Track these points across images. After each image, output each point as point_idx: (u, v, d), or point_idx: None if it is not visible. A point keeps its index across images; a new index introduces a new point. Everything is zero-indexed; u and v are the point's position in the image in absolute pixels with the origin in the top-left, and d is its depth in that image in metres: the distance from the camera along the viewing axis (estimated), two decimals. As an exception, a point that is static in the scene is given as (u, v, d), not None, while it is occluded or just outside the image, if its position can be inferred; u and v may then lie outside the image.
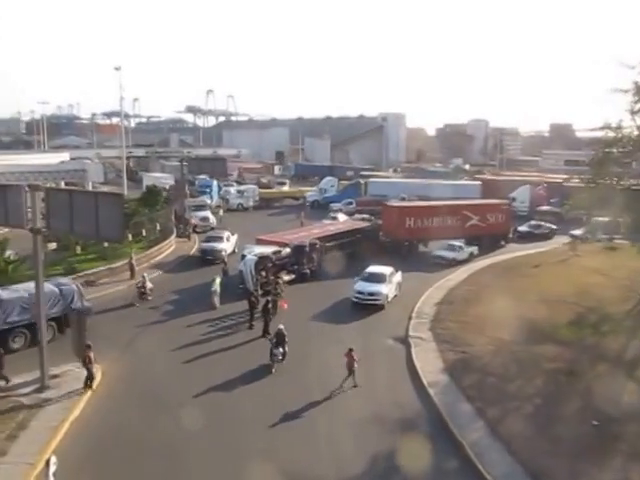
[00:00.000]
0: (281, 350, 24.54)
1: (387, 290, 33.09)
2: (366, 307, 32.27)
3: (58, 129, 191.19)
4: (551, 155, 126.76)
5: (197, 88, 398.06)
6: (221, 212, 61.65)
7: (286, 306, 31.35)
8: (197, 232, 53.75)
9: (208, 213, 57.70)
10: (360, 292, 32.83)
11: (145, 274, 35.34)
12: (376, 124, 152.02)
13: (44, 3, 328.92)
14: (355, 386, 22.88)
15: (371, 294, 32.62)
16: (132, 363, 24.92)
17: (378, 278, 33.56)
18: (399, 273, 35.04)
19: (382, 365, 25.10)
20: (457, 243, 45.33)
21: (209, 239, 45.01)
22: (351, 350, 23.24)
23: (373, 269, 34.46)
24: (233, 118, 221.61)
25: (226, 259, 41.10)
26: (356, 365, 23.01)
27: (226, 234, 45.23)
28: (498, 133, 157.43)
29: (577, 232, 52.45)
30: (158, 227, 47.43)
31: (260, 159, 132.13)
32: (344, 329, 29.60)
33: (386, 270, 34.27)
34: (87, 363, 21.98)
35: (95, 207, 20.22)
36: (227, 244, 44.28)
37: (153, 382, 22.57)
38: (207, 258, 42.65)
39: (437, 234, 47.70)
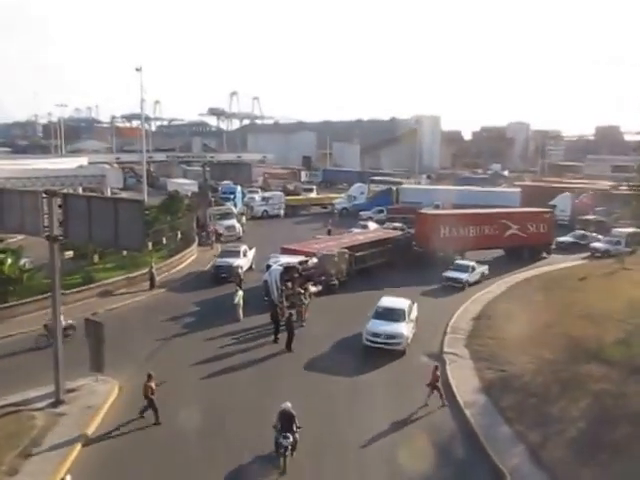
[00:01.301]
0: (290, 439, 18.68)
1: (407, 330, 28.72)
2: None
3: (76, 133, 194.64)
4: (596, 160, 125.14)
5: (221, 90, 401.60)
6: (244, 219, 62.17)
7: (307, 315, 31.96)
8: (222, 242, 54.32)
9: (234, 222, 58.22)
10: (376, 334, 28.10)
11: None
12: (409, 127, 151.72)
13: (63, 3, 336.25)
14: (443, 405, 22.86)
15: (390, 336, 28.05)
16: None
17: (395, 315, 29.11)
18: (415, 305, 30.91)
19: (414, 383, 24.85)
20: (469, 262, 42.34)
21: (224, 254, 43.46)
22: (437, 368, 23.59)
23: (388, 302, 30.14)
24: (258, 121, 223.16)
25: (242, 276, 39.64)
26: (439, 384, 23.15)
27: (243, 248, 43.68)
28: (540, 136, 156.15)
29: (598, 245, 52.23)
30: (179, 235, 47.88)
31: (286, 164, 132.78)
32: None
33: (403, 304, 29.98)
34: (149, 395, 21.30)
35: (114, 214, 20.43)
36: (244, 260, 42.59)
37: (171, 399, 22.64)
38: (221, 275, 40.75)
39: (474, 244, 47.38)
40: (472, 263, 42.01)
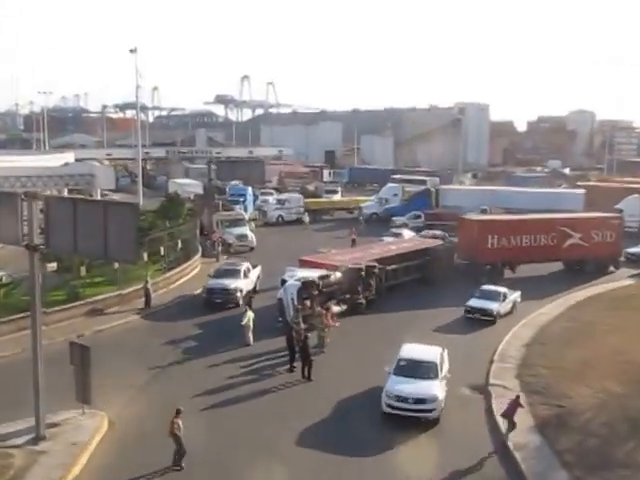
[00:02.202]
0: None
1: (441, 391, 25.02)
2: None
3: (62, 124, 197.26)
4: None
5: (229, 75, 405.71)
6: (252, 225, 62.34)
7: (337, 324, 33.00)
8: (231, 253, 55.00)
9: (246, 229, 58.79)
10: (400, 398, 24.44)
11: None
12: (451, 117, 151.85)
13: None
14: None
15: (419, 400, 24.42)
16: (143, 412, 25.32)
17: (424, 370, 25.48)
18: (446, 352, 27.25)
19: (455, 420, 24.86)
20: (499, 288, 39.25)
21: (219, 273, 41.59)
22: (518, 397, 23.71)
23: (414, 353, 26.37)
24: (273, 110, 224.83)
25: (241, 301, 39.01)
26: (515, 417, 23.21)
27: (244, 267, 42.18)
28: (607, 128, 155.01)
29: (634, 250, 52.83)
30: (180, 245, 48.37)
31: (306, 161, 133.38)
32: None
33: (433, 354, 26.34)
34: (175, 432, 21.38)
35: (104, 220, 20.70)
36: (244, 281, 40.96)
37: (166, 436, 22.81)
38: (215, 301, 39.40)
39: (527, 256, 47.31)
40: (503, 289, 39.11)
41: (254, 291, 41.60)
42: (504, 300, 38.35)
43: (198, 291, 42.26)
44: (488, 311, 37.20)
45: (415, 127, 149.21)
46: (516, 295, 39.71)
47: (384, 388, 24.94)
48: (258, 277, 43.51)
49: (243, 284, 40.68)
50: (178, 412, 21.69)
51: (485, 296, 38.17)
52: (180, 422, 21.47)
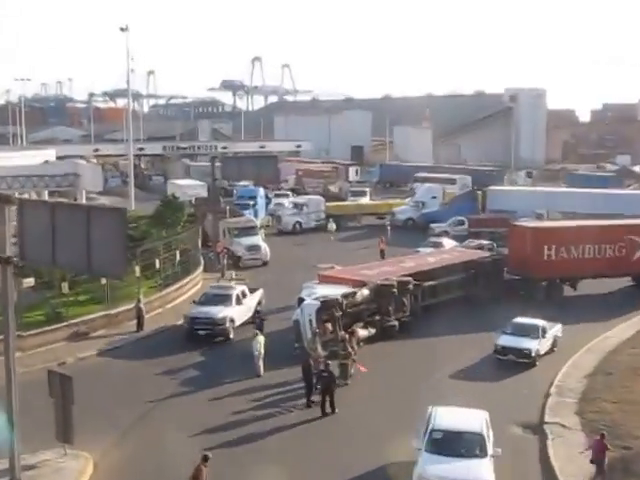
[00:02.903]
0: None
1: (491, 475, 22.06)
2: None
3: (42, 116, 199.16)
4: None
5: (237, 56, 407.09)
6: (262, 234, 61.96)
7: (364, 369, 32.37)
8: (240, 267, 55.37)
9: (258, 239, 59.00)
10: None
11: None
12: (501, 105, 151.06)
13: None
14: None
15: None
16: (135, 453, 25.51)
17: (467, 445, 22.81)
18: (488, 418, 24.39)
19: (503, 465, 24.76)
20: (536, 321, 36.47)
21: (206, 299, 40.07)
22: (603, 436, 23.54)
23: (452, 421, 23.54)
24: (289, 98, 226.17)
25: (232, 334, 38.15)
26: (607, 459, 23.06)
27: (237, 291, 40.53)
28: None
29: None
30: (178, 257, 48.62)
31: (328, 157, 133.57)
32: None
33: (477, 422, 23.62)
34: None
35: (87, 228, 20.83)
36: (237, 309, 39.48)
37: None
38: (198, 332, 38.07)
39: (590, 270, 47.00)
40: (541, 322, 36.43)
41: (252, 322, 39.57)
42: (543, 336, 35.83)
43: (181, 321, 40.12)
44: (524, 351, 34.70)
45: (458, 117, 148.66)
46: (557, 329, 37.30)
47: (415, 470, 21.97)
48: (259, 303, 42.09)
49: (235, 313, 39.04)
50: (205, 459, 21.59)
51: (519, 331, 35.57)
52: (204, 471, 21.29)
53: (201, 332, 37.95)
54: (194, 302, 40.69)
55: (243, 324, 39.59)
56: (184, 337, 38.46)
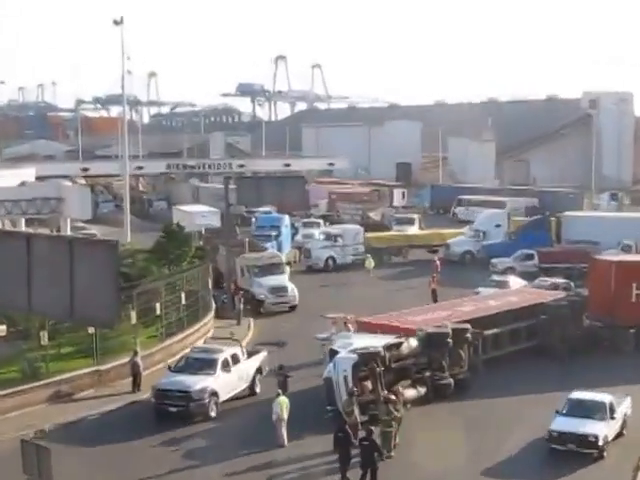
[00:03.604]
0: None
1: None
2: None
3: (19, 127, 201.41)
4: None
5: (257, 54, 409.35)
6: (287, 271, 61.52)
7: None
8: (261, 313, 55.66)
9: (284, 279, 59.05)
10: None
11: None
12: (579, 113, 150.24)
13: None
14: None
15: None
16: None
17: None
18: None
19: None
20: (602, 397, 33.58)
21: (184, 365, 38.20)
22: None
23: None
24: (320, 105, 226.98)
25: (213, 411, 36.19)
26: None
27: (227, 354, 38.31)
28: None
29: None
30: (183, 299, 48.60)
31: (368, 177, 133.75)
32: None
33: None
34: None
35: (70, 264, 20.89)
36: (224, 379, 37.39)
37: None
38: (167, 409, 36.14)
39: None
40: (607, 398, 33.39)
41: (251, 394, 39.00)
42: (612, 416, 32.65)
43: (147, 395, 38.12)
44: (589, 439, 31.49)
45: (526, 127, 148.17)
46: (626, 405, 34.37)
47: None
48: (259, 372, 39.97)
49: (220, 384, 36.90)
50: None
51: (580, 411, 32.66)
52: None
53: (172, 409, 35.83)
54: (169, 368, 38.75)
55: (234, 398, 37.91)
56: (153, 415, 36.44)
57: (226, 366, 37.56)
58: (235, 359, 38.46)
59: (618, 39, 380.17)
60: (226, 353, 38.32)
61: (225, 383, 37.28)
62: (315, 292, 61.43)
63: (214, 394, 36.26)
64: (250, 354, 40.33)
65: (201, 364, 37.60)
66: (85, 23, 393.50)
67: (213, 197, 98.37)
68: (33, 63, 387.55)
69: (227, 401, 37.58)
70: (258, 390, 39.19)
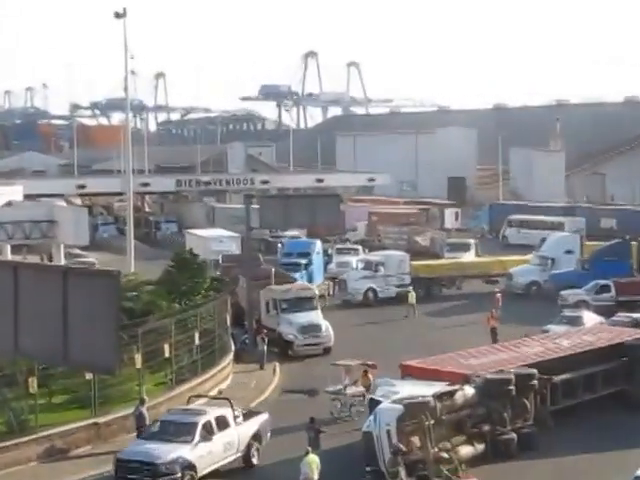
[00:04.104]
0: None
1: None
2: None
3: (4, 137, 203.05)
4: None
5: (283, 51, 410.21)
6: (319, 306, 61.21)
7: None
8: (291, 355, 55.92)
9: (317, 316, 58.88)
10: None
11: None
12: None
13: None
14: None
15: None
16: None
17: None
18: None
19: None
20: None
21: (158, 430, 36.29)
22: None
23: None
24: (358, 109, 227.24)
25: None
26: None
27: (210, 417, 36.27)
28: None
29: None
30: (197, 339, 48.70)
31: (414, 194, 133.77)
32: None
33: None
34: None
35: (64, 299, 21.01)
36: (203, 448, 35.16)
37: None
38: None
39: None
40: None
41: (249, 465, 37.23)
42: None
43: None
44: None
45: (602, 134, 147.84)
46: None
47: None
48: (257, 439, 37.95)
49: (198, 454, 34.77)
50: None
51: None
52: None
53: None
54: (138, 434, 37.41)
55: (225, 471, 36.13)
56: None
57: (209, 432, 35.39)
58: (222, 423, 36.30)
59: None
60: (210, 415, 36.16)
61: (206, 453, 35.02)
62: (353, 331, 61.51)
63: (189, 467, 33.92)
64: (247, 415, 38.44)
65: (177, 429, 35.62)
66: (82, 16, 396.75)
67: (232, 219, 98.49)
68: (21, 63, 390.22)
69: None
70: (255, 461, 37.18)
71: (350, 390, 42.81)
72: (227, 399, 39.05)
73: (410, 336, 56.99)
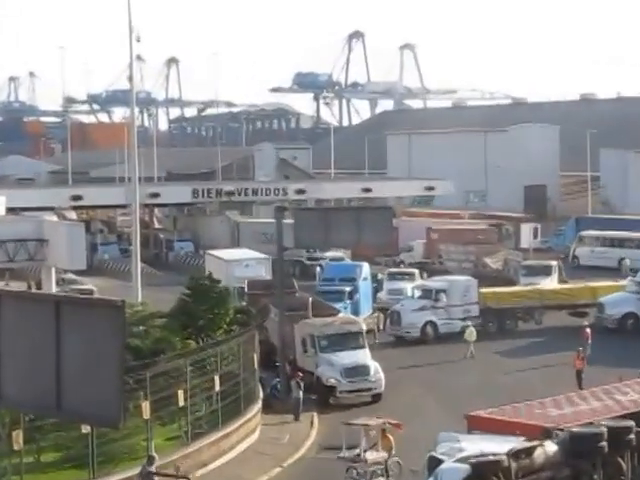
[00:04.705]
0: None
1: None
2: None
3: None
4: None
5: (323, 32, 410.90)
6: (366, 344, 61.27)
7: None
8: (331, 404, 55.95)
9: (365, 356, 58.75)
10: None
11: None
12: None
13: None
14: None
15: None
16: None
17: None
18: None
19: None
20: None
21: None
22: None
23: None
24: (412, 103, 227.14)
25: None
26: None
27: None
28: None
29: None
30: (218, 384, 48.85)
31: (483, 206, 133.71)
32: None
33: None
34: None
35: (55, 335, 21.15)
36: None
37: None
38: None
39: None
40: None
41: None
42: None
43: None
44: None
45: None
46: None
47: None
48: None
49: None
50: None
51: None
52: None
53: None
54: None
55: None
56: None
57: None
58: None
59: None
60: None
61: None
62: (407, 374, 61.54)
63: None
64: None
65: None
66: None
67: (260, 237, 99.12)
68: (2, 46, 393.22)
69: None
70: None
71: (370, 455, 42.61)
72: (187, 478, 38.58)
73: (478, 381, 56.95)
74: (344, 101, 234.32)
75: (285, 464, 44.85)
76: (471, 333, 68.39)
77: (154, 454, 40.41)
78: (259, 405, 52.00)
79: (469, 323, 70.44)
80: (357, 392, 56.69)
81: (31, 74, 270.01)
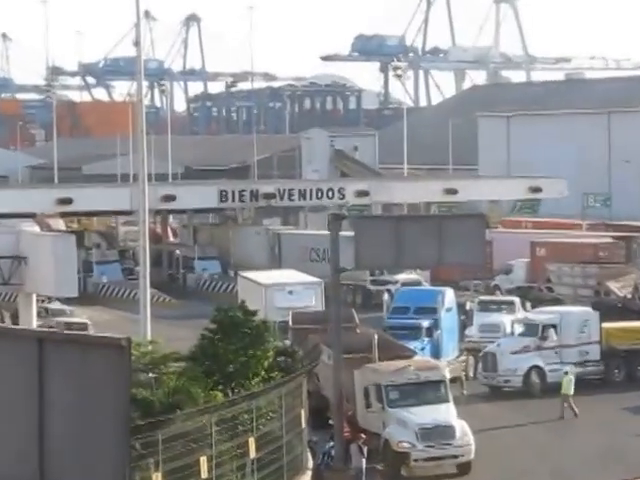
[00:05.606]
0: None
1: None
2: None
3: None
4: None
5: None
6: (450, 397, 61.32)
7: None
8: (404, 475, 56.00)
9: (448, 413, 58.27)
10: None
11: None
12: None
13: None
14: None
15: None
16: None
17: None
18: None
19: None
20: None
21: None
22: None
23: None
24: (512, 74, 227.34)
25: None
26: None
27: None
28: None
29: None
30: (253, 449, 49.05)
31: (607, 215, 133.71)
32: None
33: None
34: None
35: (38, 385, 21.27)
36: None
37: None
38: None
39: None
40: None
41: None
42: None
43: None
44: None
45: None
46: None
47: None
48: None
49: None
50: None
51: None
52: None
53: None
54: None
55: None
56: None
57: None
58: None
59: None
60: None
61: None
62: (506, 437, 61.47)
63: None
64: None
65: None
66: None
67: (308, 254, 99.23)
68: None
69: None
70: None
71: None
72: None
73: (601, 446, 56.82)
74: (421, 73, 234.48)
75: None
76: (569, 382, 67.34)
77: None
78: (308, 477, 52.06)
79: (568, 369, 69.52)
80: (438, 460, 56.52)
81: (4, 36, 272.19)
